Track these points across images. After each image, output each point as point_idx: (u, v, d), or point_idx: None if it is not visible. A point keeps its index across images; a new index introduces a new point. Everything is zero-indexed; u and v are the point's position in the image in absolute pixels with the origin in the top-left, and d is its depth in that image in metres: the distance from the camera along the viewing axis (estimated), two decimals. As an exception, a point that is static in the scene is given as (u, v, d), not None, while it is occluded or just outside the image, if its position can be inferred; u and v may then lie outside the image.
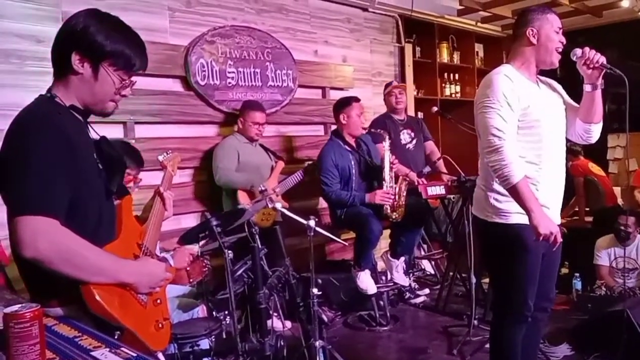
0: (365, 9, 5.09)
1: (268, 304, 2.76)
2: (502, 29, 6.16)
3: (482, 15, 5.66)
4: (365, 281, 3.65)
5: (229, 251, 2.50)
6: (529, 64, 2.26)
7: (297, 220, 2.67)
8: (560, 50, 2.24)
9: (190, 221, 3.70)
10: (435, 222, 4.80)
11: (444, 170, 4.26)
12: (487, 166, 2.18)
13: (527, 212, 2.07)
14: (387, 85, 4.45)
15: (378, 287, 3.75)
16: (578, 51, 2.18)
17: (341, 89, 4.84)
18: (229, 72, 3.98)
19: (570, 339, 3.33)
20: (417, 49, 5.65)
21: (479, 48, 6.35)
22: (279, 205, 2.67)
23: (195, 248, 2.62)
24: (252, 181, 3.52)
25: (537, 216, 2.05)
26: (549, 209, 2.19)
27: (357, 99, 3.89)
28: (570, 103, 2.36)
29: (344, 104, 3.85)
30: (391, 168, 3.77)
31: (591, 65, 2.16)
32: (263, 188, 3.05)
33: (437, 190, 4.05)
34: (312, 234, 2.64)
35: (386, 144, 3.80)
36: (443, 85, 5.93)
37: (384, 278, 4.01)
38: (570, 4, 5.33)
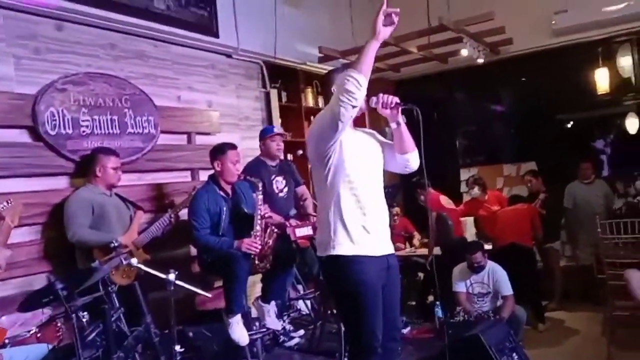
0: (229, 56, 5.15)
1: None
2: (362, 74, 6.53)
3: (342, 62, 5.97)
4: (238, 331, 3.57)
5: (84, 313, 2.34)
6: None
7: (157, 275, 2.57)
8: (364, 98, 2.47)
9: (42, 282, 3.40)
10: (307, 262, 4.86)
11: (311, 211, 4.36)
12: (326, 212, 2.40)
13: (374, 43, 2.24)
14: (268, 130, 4.47)
15: (251, 334, 3.69)
16: (374, 99, 2.48)
17: (208, 134, 4.81)
18: (83, 121, 3.79)
19: (435, 366, 3.51)
20: (283, 93, 5.80)
21: (341, 92, 6.65)
22: (134, 262, 2.55)
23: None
24: (107, 239, 3.31)
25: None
26: (379, 237, 2.42)
27: (232, 146, 3.86)
28: (386, 142, 2.63)
29: (217, 152, 3.81)
30: (262, 217, 3.77)
31: (388, 107, 2.45)
32: (116, 244, 2.89)
33: (305, 231, 4.13)
34: (172, 288, 2.56)
35: (259, 193, 3.80)
36: (309, 128, 6.12)
37: (257, 324, 3.96)
38: (419, 52, 5.81)
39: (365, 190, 2.43)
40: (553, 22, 5.74)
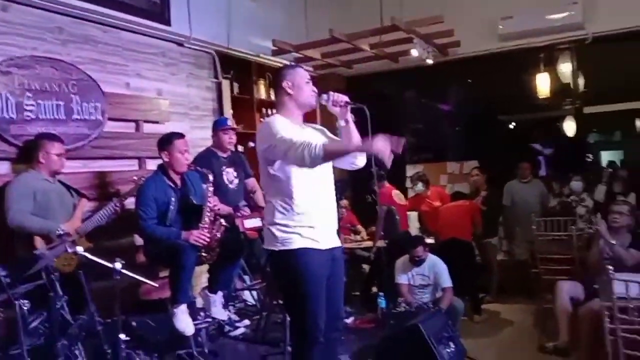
0: (180, 44, 5.10)
1: (70, 355, 2.58)
2: (315, 69, 6.60)
3: (295, 56, 6.02)
4: (183, 321, 3.57)
5: (25, 301, 2.31)
6: (292, 112, 2.62)
7: (102, 264, 2.56)
8: (313, 96, 2.63)
9: (-20, 269, 3.30)
10: (255, 253, 4.90)
11: (261, 203, 4.40)
12: (272, 205, 2.47)
13: (359, 149, 2.44)
14: (221, 122, 4.46)
15: (196, 324, 3.71)
16: (325, 96, 2.58)
17: (156, 123, 4.76)
18: (27, 105, 3.69)
19: (375, 355, 3.64)
20: (235, 84, 5.80)
21: (294, 85, 6.70)
22: (80, 250, 2.53)
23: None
24: (49, 227, 3.24)
25: (364, 145, 2.40)
26: (325, 230, 2.51)
27: (180, 136, 3.83)
28: (335, 138, 2.72)
29: (164, 142, 3.78)
30: (211, 209, 3.78)
31: (337, 105, 2.56)
32: (61, 232, 2.85)
33: (254, 222, 4.17)
34: (118, 277, 2.55)
35: (209, 184, 3.81)
36: (261, 120, 6.14)
37: (202, 314, 3.98)
38: (371, 50, 5.93)
39: (313, 186, 2.50)
40: (500, 27, 5.96)
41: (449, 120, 7.84)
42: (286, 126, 2.47)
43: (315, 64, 6.41)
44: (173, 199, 3.73)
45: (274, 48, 5.72)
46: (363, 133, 2.69)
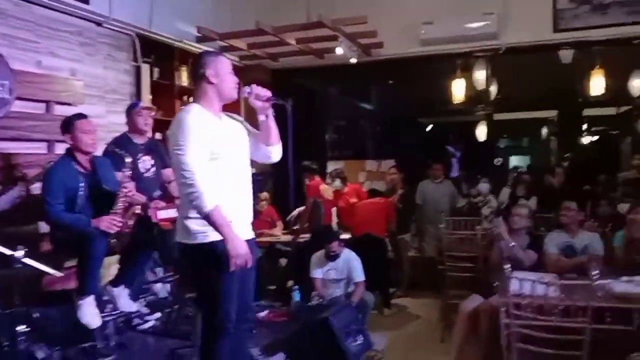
0: (99, 24, 4.88)
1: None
2: (240, 59, 6.54)
3: (220, 45, 5.93)
4: (89, 313, 3.44)
5: None
6: (212, 101, 2.55)
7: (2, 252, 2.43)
8: (235, 87, 2.58)
9: None
10: (168, 245, 4.79)
11: (177, 193, 4.30)
12: (183, 197, 2.42)
13: (223, 236, 2.34)
14: (134, 105, 4.30)
15: (103, 317, 3.59)
16: (247, 89, 2.58)
17: (69, 104, 4.54)
18: None
19: (286, 348, 3.69)
20: (156, 69, 5.63)
21: (218, 74, 6.61)
22: (-24, 236, 2.38)
23: None
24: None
25: (229, 241, 2.34)
26: (238, 223, 2.48)
27: (80, 116, 3.65)
28: (253, 131, 2.72)
29: (66, 124, 3.59)
30: (126, 196, 3.66)
31: (260, 99, 2.56)
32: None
33: (168, 213, 4.08)
34: (19, 265, 2.43)
35: (126, 169, 3.67)
36: (182, 107, 6.00)
37: (110, 306, 3.85)
38: (297, 45, 5.95)
39: (227, 178, 2.49)
40: (422, 32, 6.17)
41: (370, 119, 8.06)
42: (198, 132, 2.38)
43: (241, 54, 6.35)
44: (82, 184, 3.56)
45: (199, 35, 5.62)
46: (283, 130, 2.72)
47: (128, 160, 3.68)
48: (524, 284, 3.18)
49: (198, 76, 2.55)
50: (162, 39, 5.50)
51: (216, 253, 2.39)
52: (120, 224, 3.56)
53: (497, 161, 8.34)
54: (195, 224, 2.44)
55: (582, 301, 3.03)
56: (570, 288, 3.20)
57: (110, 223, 3.50)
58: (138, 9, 5.12)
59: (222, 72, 2.55)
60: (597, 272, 3.33)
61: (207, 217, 2.32)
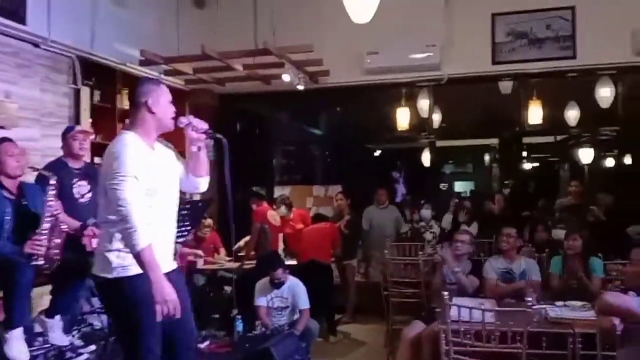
0: (36, 45, 4.72)
1: None
2: (186, 83, 6.47)
3: (164, 68, 5.85)
4: (16, 347, 3.24)
5: None
6: (150, 131, 2.48)
7: None
8: (172, 118, 2.54)
9: None
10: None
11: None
12: (112, 231, 2.32)
13: (150, 279, 2.23)
14: (69, 129, 4.15)
15: (32, 351, 3.40)
16: (184, 119, 2.53)
17: (2, 128, 4.34)
18: None
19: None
20: (97, 92, 5.48)
21: (163, 98, 6.51)
22: None
23: None
24: None
25: (157, 286, 2.23)
26: (159, 255, 2.35)
27: (5, 140, 3.52)
28: (183, 162, 2.66)
29: None
30: (53, 215, 3.50)
31: (196, 131, 2.52)
32: None
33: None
34: None
35: (51, 188, 3.51)
36: (123, 131, 5.86)
37: (40, 339, 3.66)
38: (244, 70, 5.95)
39: (160, 210, 2.42)
40: (367, 61, 6.30)
41: (318, 144, 8.12)
42: (136, 167, 2.30)
43: (186, 77, 6.28)
44: (9, 209, 3.40)
45: (142, 58, 5.52)
46: (220, 164, 2.67)
47: (52, 181, 3.53)
48: (462, 310, 3.22)
49: (138, 104, 2.49)
50: (104, 62, 5.37)
51: (139, 287, 2.28)
52: (46, 244, 3.39)
53: (444, 186, 8.56)
54: (116, 257, 2.33)
55: (519, 326, 3.10)
56: (508, 314, 3.27)
57: (34, 244, 3.33)
58: (79, 31, 4.99)
59: (163, 101, 2.50)
60: (533, 297, 3.44)
61: (138, 256, 2.22)
